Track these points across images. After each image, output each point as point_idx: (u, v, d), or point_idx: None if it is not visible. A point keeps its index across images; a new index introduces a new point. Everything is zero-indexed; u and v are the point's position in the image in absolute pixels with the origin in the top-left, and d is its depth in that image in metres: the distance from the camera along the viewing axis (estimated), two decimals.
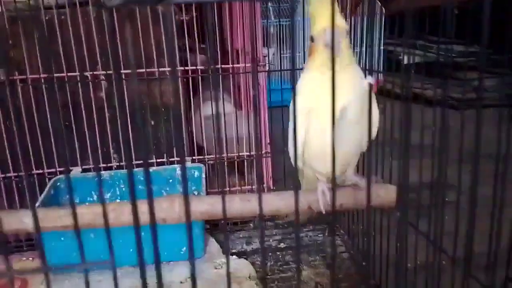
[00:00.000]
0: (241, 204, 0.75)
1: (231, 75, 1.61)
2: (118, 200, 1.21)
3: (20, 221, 0.74)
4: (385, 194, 0.73)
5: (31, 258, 1.27)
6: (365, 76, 0.78)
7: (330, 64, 0.67)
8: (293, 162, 0.80)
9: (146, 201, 0.36)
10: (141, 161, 1.38)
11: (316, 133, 0.71)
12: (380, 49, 3.27)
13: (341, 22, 0.68)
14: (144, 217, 0.41)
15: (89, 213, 0.73)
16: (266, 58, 1.54)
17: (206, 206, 0.74)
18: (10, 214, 0.76)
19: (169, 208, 0.73)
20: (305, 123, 0.71)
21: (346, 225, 1.35)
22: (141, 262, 0.35)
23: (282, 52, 3.37)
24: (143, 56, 1.35)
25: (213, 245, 1.31)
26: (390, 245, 0.95)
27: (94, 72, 1.35)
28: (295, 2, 2.07)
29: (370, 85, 0.33)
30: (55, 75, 1.31)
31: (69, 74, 1.33)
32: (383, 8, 2.89)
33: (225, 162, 1.52)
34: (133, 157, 1.31)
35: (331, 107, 0.37)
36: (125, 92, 1.18)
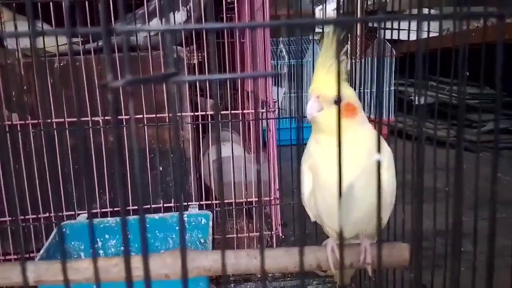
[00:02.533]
0: (247, 260, 0.73)
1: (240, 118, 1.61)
2: (123, 248, 1.19)
3: (20, 274, 0.73)
4: (398, 253, 0.70)
5: None
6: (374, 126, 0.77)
7: (318, 135, 0.66)
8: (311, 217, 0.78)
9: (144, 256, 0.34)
10: (147, 206, 1.37)
11: (319, 193, 0.70)
12: (390, 90, 3.29)
13: (328, 90, 0.63)
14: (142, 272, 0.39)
15: (91, 268, 0.71)
16: (276, 103, 1.54)
17: (211, 262, 0.71)
18: (12, 267, 0.74)
19: (172, 264, 0.70)
20: (310, 182, 0.71)
21: (358, 279, 1.30)
22: None
23: (292, 91, 3.41)
24: (154, 101, 1.36)
25: None
26: None
27: (106, 117, 1.36)
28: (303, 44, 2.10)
29: (379, 163, 0.32)
30: (67, 119, 1.33)
31: (80, 119, 1.34)
32: (393, 50, 2.93)
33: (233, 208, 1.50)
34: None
35: (338, 180, 0.36)
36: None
